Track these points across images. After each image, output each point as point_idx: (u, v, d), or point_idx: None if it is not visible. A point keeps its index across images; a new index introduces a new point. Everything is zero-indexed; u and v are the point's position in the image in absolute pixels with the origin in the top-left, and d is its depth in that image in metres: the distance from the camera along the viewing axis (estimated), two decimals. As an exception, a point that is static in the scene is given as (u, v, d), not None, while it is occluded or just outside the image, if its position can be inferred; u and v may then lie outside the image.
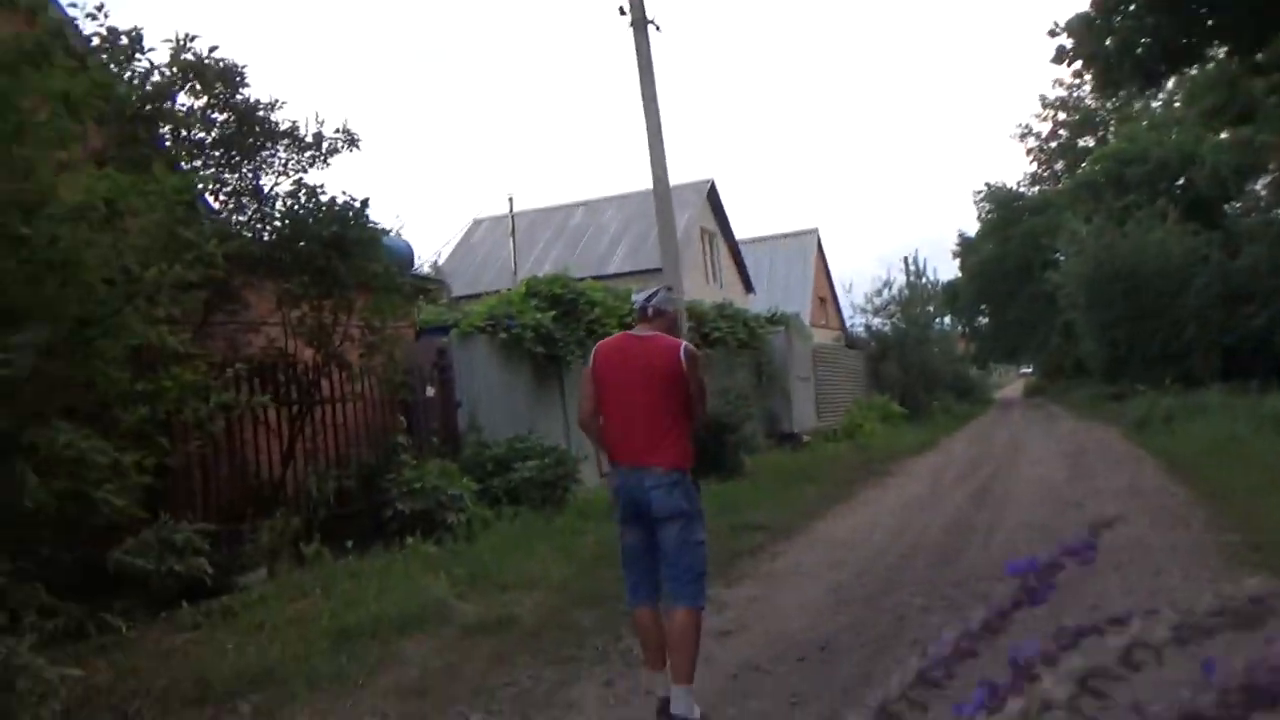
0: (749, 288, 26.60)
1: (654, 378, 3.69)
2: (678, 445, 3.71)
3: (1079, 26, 15.25)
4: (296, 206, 7.44)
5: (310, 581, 5.90)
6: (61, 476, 3.85)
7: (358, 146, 7.59)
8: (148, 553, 5.21)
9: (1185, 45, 14.11)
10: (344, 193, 7.52)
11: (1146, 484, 10.73)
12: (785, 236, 37.44)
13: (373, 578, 5.97)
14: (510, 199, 22.17)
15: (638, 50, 13.48)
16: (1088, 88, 45.65)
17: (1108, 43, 14.34)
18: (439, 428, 9.11)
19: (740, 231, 27.85)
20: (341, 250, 7.38)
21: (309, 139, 7.39)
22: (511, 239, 22.09)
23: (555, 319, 10.68)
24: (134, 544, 5.28)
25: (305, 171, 7.42)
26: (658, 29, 13.47)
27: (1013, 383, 70.47)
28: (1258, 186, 28.26)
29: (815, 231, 36.76)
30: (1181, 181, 30.70)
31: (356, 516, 7.66)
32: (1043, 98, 47.48)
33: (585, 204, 25.53)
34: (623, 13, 13.41)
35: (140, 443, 4.86)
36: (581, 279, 12.17)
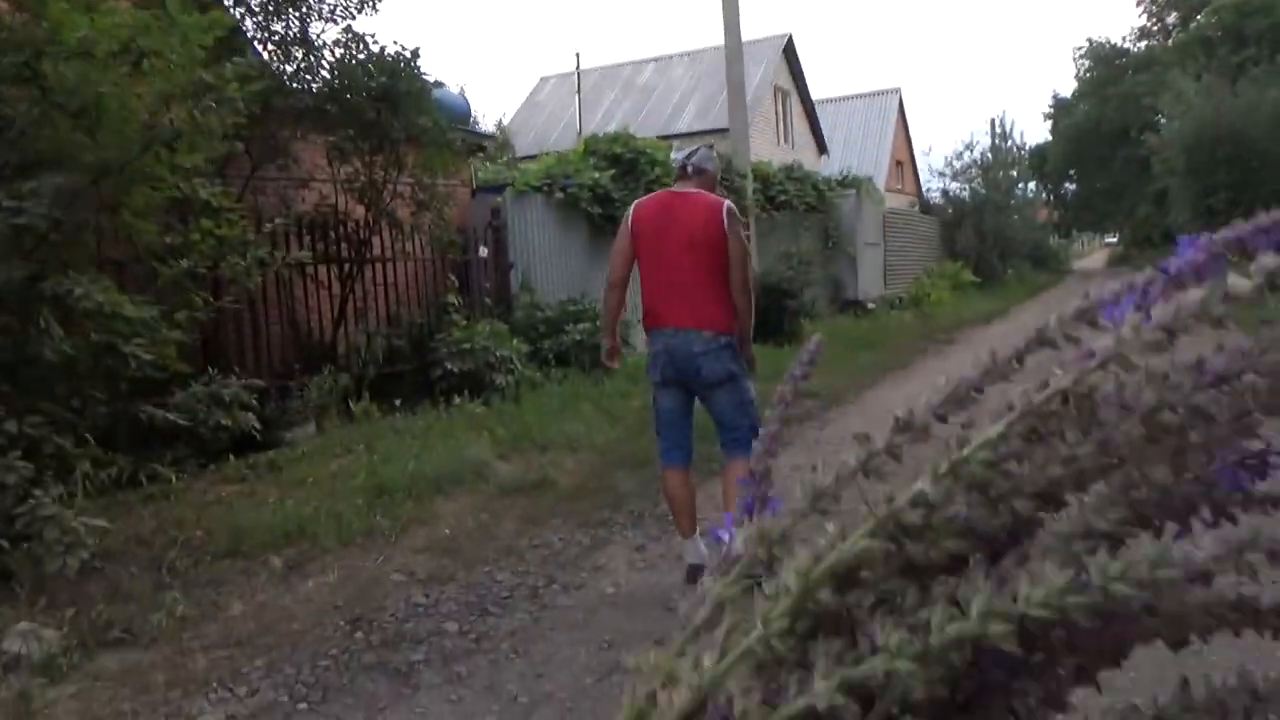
0: (822, 149, 25.63)
1: (696, 237, 3.54)
2: (722, 307, 3.59)
3: None
4: (345, 56, 7.18)
5: (356, 438, 5.96)
6: (91, 330, 3.83)
7: (404, -11, 7.22)
8: (194, 407, 5.26)
9: None
10: (395, 43, 7.25)
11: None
12: (865, 96, 35.75)
13: (417, 436, 6.00)
14: (577, 55, 21.36)
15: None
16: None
17: None
18: (491, 289, 9.02)
19: (818, 91, 26.62)
20: (391, 103, 7.15)
21: (356, -21, 7.04)
22: (577, 97, 21.45)
23: (614, 179, 10.35)
24: (182, 398, 5.33)
25: (353, 18, 7.11)
26: None
27: (1096, 253, 67.72)
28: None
29: (897, 91, 35.01)
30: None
31: (406, 375, 7.70)
32: (1161, -59, 43.31)
33: (655, 60, 24.55)
34: None
35: (178, 297, 4.84)
36: (647, 138, 11.71)
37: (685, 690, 0.29)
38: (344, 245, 7.70)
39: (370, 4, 7.11)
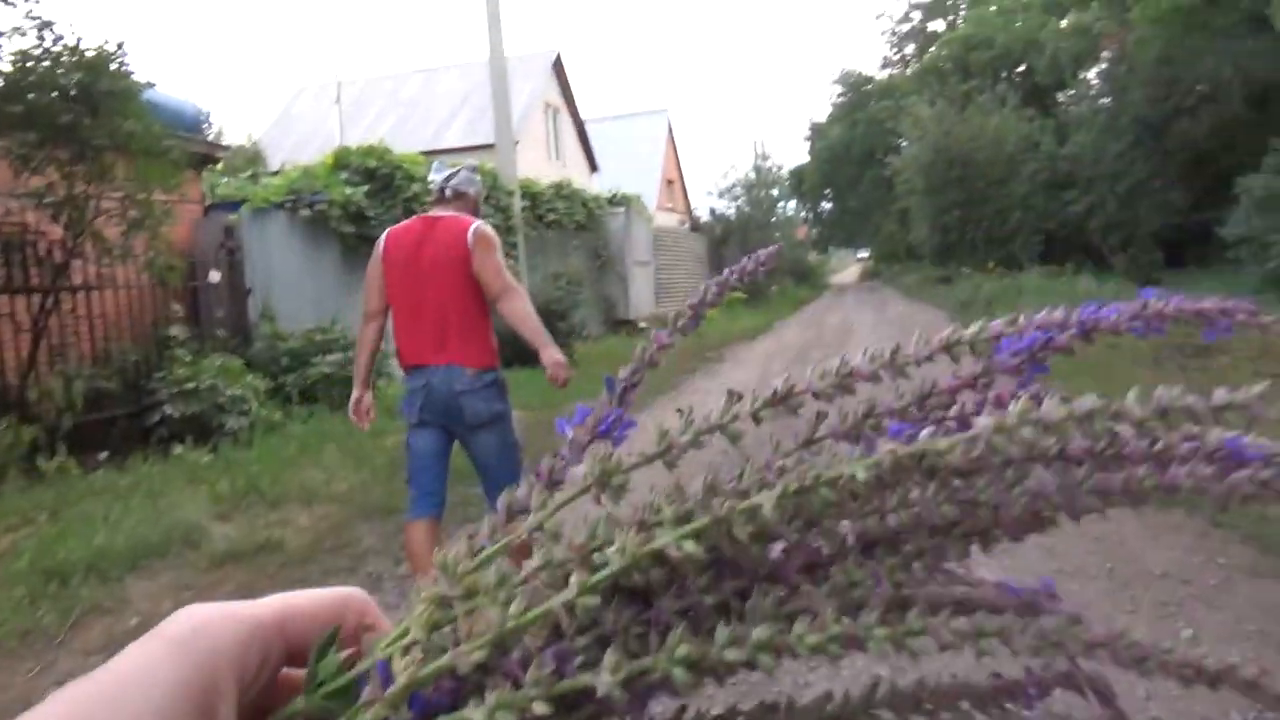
0: (594, 167, 25.69)
1: (449, 264, 3.25)
2: (483, 339, 3.34)
3: None
4: (33, 47, 6.16)
5: (40, 504, 5.00)
6: None
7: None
8: None
9: None
10: (106, 40, 6.31)
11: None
12: (635, 116, 36.48)
13: (120, 496, 5.13)
14: (335, 64, 20.09)
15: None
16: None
17: None
18: (225, 318, 8.09)
19: (590, 110, 26.78)
20: (90, 104, 6.21)
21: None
22: (337, 107, 20.28)
23: (368, 195, 9.65)
24: None
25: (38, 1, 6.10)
26: None
27: (850, 267, 72.71)
28: (1090, 75, 29.17)
29: (665, 112, 35.93)
30: (1022, 69, 31.39)
31: (117, 422, 6.70)
32: (896, -22, 47.13)
33: (423, 72, 23.75)
34: None
35: None
36: (405, 152, 11.05)
37: (483, 634, 0.30)
38: (35, 271, 6.61)
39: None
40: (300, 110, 23.65)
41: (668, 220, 27.10)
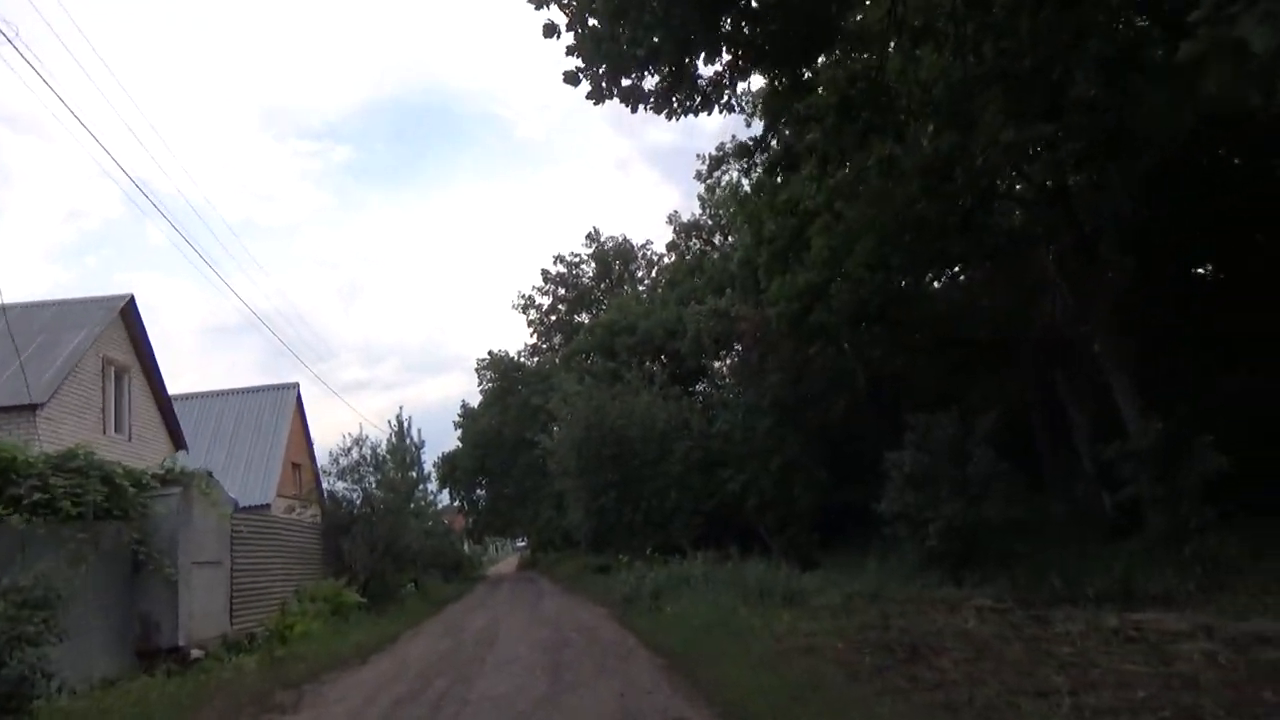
0: (179, 443, 20.70)
1: None
2: None
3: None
4: None
5: None
6: None
7: None
8: None
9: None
10: None
11: (646, 701, 7.73)
12: (259, 390, 32.06)
13: None
14: None
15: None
16: (587, 268, 47.95)
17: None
18: None
19: (200, 381, 22.17)
20: None
21: None
22: None
23: None
24: None
25: None
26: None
27: (509, 557, 69.44)
28: (724, 365, 29.73)
29: (295, 386, 31.92)
30: (664, 357, 31.71)
31: None
32: (545, 272, 48.76)
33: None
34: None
35: None
36: None
37: None
38: None
39: None
40: None
41: (282, 508, 22.41)
